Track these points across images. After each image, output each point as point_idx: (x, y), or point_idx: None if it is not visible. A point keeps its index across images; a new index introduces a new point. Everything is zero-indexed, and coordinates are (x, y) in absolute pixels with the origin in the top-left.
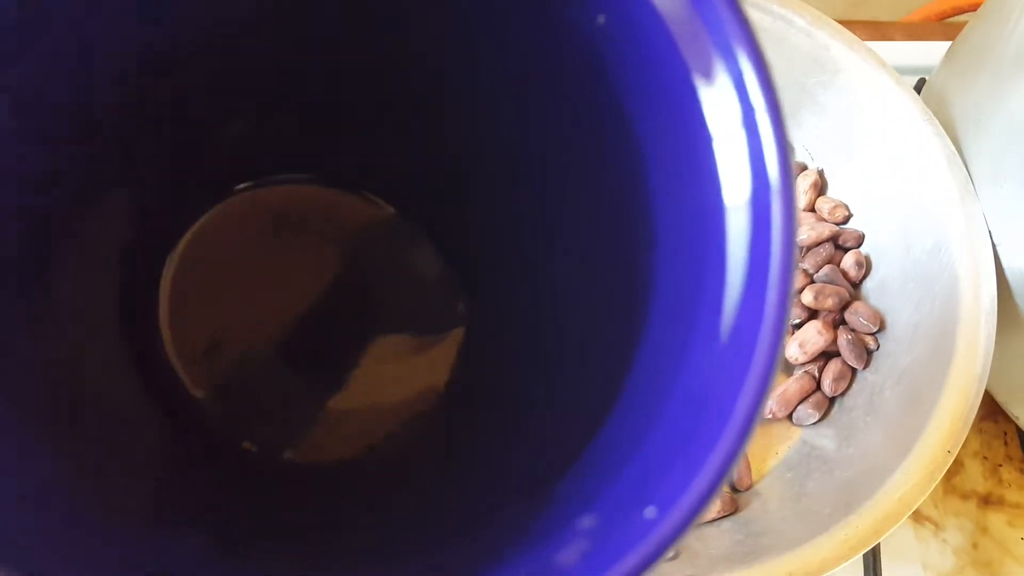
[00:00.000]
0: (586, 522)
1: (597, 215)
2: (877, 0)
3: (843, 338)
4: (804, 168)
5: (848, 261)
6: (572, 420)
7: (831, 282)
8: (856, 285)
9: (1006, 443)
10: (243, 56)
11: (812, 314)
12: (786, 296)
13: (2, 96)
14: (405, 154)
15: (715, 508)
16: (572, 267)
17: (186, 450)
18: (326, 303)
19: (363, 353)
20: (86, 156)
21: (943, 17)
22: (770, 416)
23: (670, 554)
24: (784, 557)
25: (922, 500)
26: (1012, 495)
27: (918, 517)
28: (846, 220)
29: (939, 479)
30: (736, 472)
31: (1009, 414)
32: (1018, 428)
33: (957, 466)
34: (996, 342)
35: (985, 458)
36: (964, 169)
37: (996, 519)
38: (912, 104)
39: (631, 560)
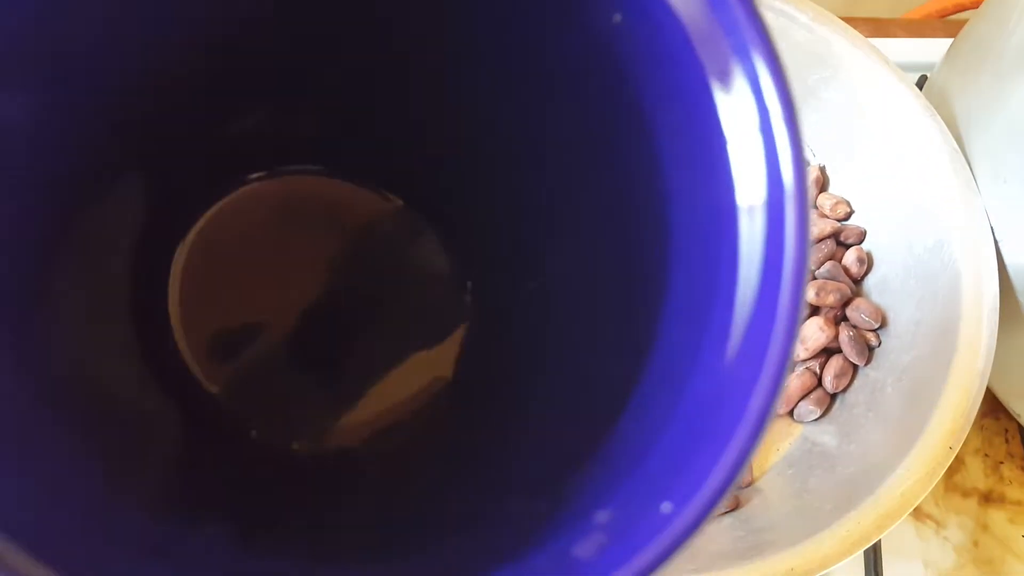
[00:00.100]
0: (602, 516)
1: (609, 212)
2: None
3: (844, 334)
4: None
5: (850, 257)
6: (583, 416)
7: (832, 278)
8: (857, 281)
9: (1007, 440)
10: (254, 50)
11: (814, 310)
12: (798, 299)
13: (27, 77)
14: (416, 148)
15: None
16: (582, 263)
17: (198, 440)
18: (333, 294)
19: (368, 345)
20: (99, 141)
21: (944, 14)
22: None
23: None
24: (785, 553)
25: (923, 497)
26: (1013, 492)
27: (919, 514)
28: (848, 216)
29: (940, 476)
30: None
31: (1010, 411)
32: (1019, 425)
33: (958, 463)
34: (998, 339)
35: (986, 455)
36: (966, 166)
37: (997, 516)
38: (914, 101)
39: (648, 554)
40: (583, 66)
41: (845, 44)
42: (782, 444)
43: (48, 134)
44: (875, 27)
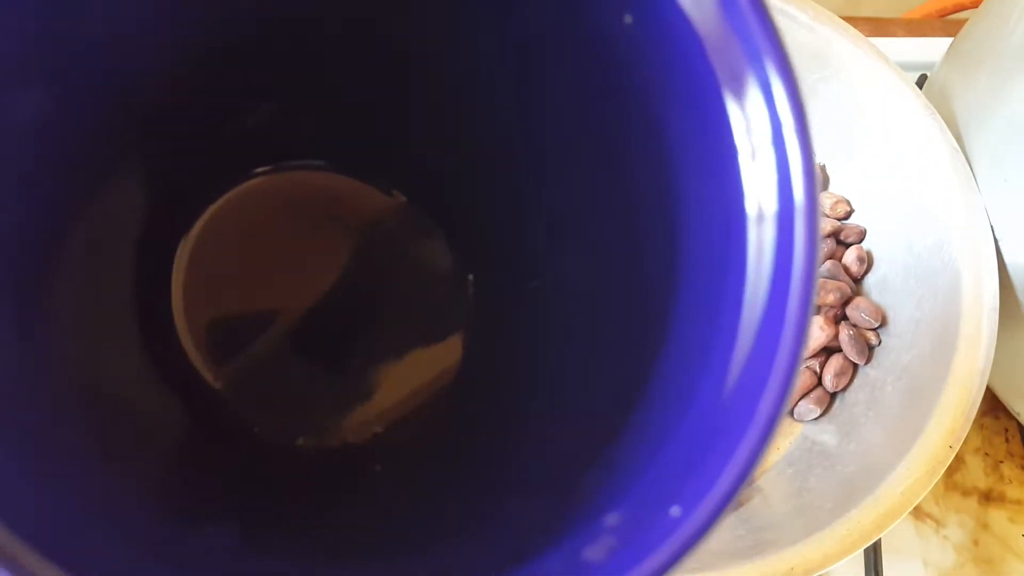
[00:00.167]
0: (612, 519)
1: (613, 213)
2: None
3: (844, 333)
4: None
5: (850, 256)
6: (587, 417)
7: (833, 277)
8: (858, 281)
9: (1007, 439)
10: (256, 49)
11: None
12: (807, 308)
13: (33, 76)
14: (419, 147)
15: None
16: (585, 264)
17: (202, 437)
18: (335, 291)
19: (371, 341)
20: (100, 138)
21: (944, 14)
22: None
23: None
24: (785, 552)
25: (923, 495)
26: (1013, 491)
27: (919, 514)
28: (848, 216)
29: (940, 475)
30: None
31: (1010, 410)
32: (1019, 424)
33: (958, 462)
34: (998, 338)
35: (986, 454)
36: (966, 165)
37: (997, 515)
38: (914, 100)
39: (658, 557)
40: (591, 66)
41: (845, 43)
42: (782, 443)
43: (53, 132)
44: (875, 26)
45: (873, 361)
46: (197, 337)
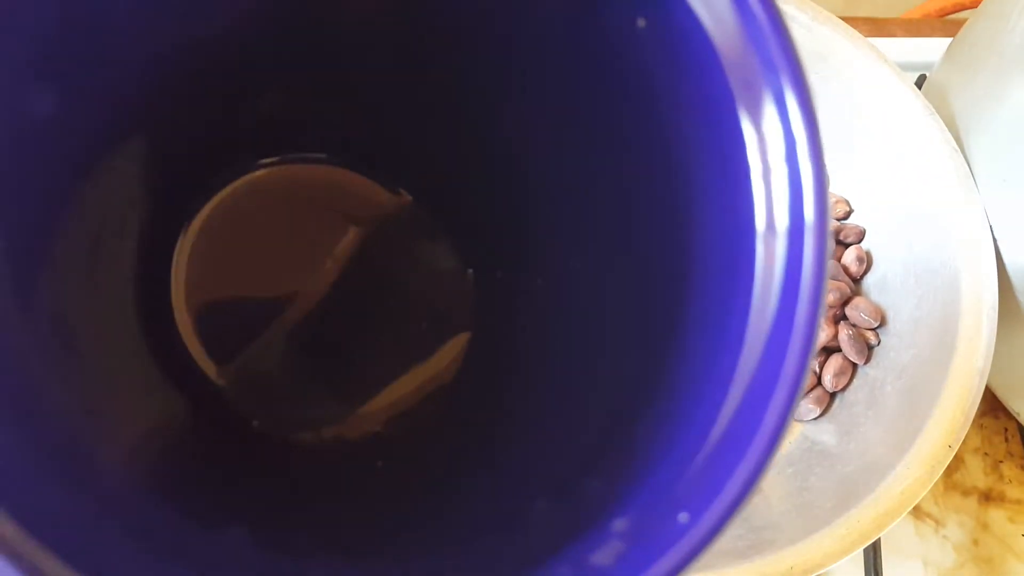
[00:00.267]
0: (620, 524)
1: (618, 215)
2: None
3: (844, 333)
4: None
5: (849, 256)
6: (594, 422)
7: (832, 277)
8: (857, 280)
9: (1007, 439)
10: (262, 46)
11: None
12: (814, 323)
13: (47, 71)
14: (430, 145)
15: None
16: (592, 265)
17: (208, 434)
18: (339, 286)
19: (373, 337)
20: (103, 128)
21: (943, 14)
22: None
23: None
24: (785, 552)
25: (923, 495)
26: (1013, 491)
27: (919, 513)
28: (847, 216)
29: (940, 474)
30: None
31: (1010, 410)
32: (1019, 424)
33: (958, 462)
34: (997, 337)
35: (986, 454)
36: (965, 165)
37: (997, 515)
38: (914, 99)
39: (666, 563)
40: (601, 69)
41: (845, 43)
42: (782, 443)
43: (59, 128)
44: (874, 26)
45: (872, 361)
46: (197, 331)
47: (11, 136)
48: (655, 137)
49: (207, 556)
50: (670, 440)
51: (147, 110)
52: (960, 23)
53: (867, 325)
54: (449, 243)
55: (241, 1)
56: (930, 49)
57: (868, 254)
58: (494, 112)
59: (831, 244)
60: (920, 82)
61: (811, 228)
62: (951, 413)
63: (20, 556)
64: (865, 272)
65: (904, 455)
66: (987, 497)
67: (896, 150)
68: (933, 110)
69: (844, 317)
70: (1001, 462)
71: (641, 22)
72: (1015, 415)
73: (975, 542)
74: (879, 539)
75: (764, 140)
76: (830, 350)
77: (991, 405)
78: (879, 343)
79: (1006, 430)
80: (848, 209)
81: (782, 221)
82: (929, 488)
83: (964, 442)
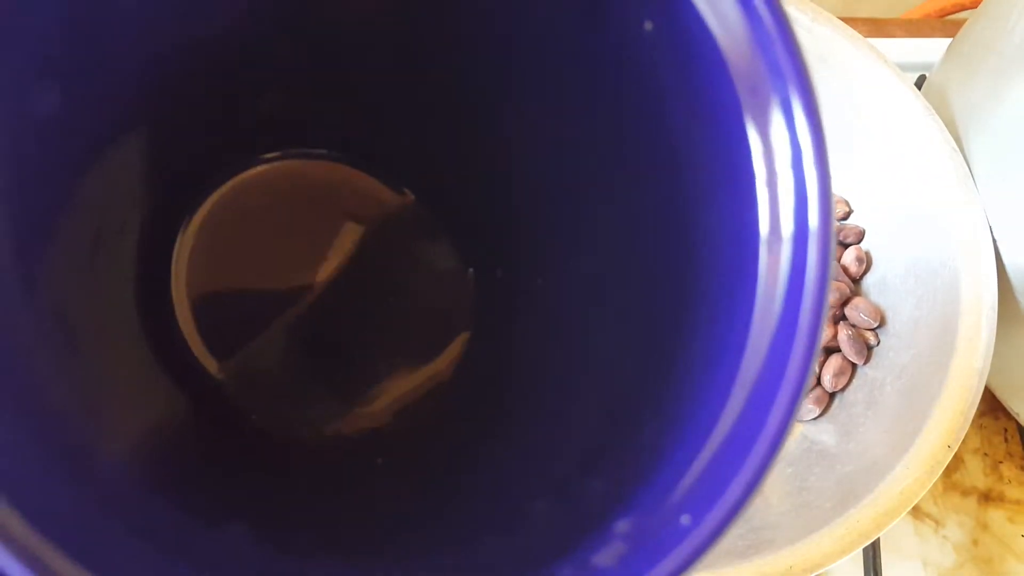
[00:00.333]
0: (622, 526)
1: (619, 216)
2: None
3: (843, 334)
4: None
5: (848, 257)
6: (595, 423)
7: (832, 278)
8: (856, 281)
9: (1006, 439)
10: (271, 38)
11: None
12: (817, 329)
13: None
14: (434, 145)
15: None
16: (594, 266)
17: (209, 431)
18: (340, 283)
19: (373, 335)
20: (104, 122)
21: (943, 14)
22: None
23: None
24: (784, 551)
25: (922, 495)
26: (1012, 491)
27: (918, 514)
28: (847, 216)
29: (939, 474)
30: None
31: (1009, 410)
32: (1018, 424)
33: (957, 462)
34: (996, 338)
35: (985, 455)
36: (965, 165)
37: (996, 515)
38: (914, 100)
39: (668, 565)
40: (606, 70)
41: (844, 44)
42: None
43: (63, 124)
44: (874, 27)
45: (872, 361)
46: (198, 328)
47: (13, 136)
48: (658, 139)
49: (208, 554)
50: (672, 443)
51: (147, 110)
52: (960, 23)
53: (867, 325)
54: (449, 242)
55: (241, 1)
56: (930, 50)
57: (868, 254)
58: (495, 112)
59: (835, 250)
60: (920, 82)
61: (815, 235)
62: (950, 413)
63: (28, 554)
64: (865, 272)
65: (903, 455)
66: (987, 497)
67: (896, 150)
68: (933, 110)
69: (844, 317)
70: (1001, 462)
71: (648, 25)
72: (1015, 415)
73: (975, 542)
74: (878, 539)
75: (770, 146)
76: (830, 350)
77: (991, 405)
78: (878, 343)
79: (1006, 430)
80: (848, 209)
81: (787, 227)
82: (928, 488)
83: (964, 442)
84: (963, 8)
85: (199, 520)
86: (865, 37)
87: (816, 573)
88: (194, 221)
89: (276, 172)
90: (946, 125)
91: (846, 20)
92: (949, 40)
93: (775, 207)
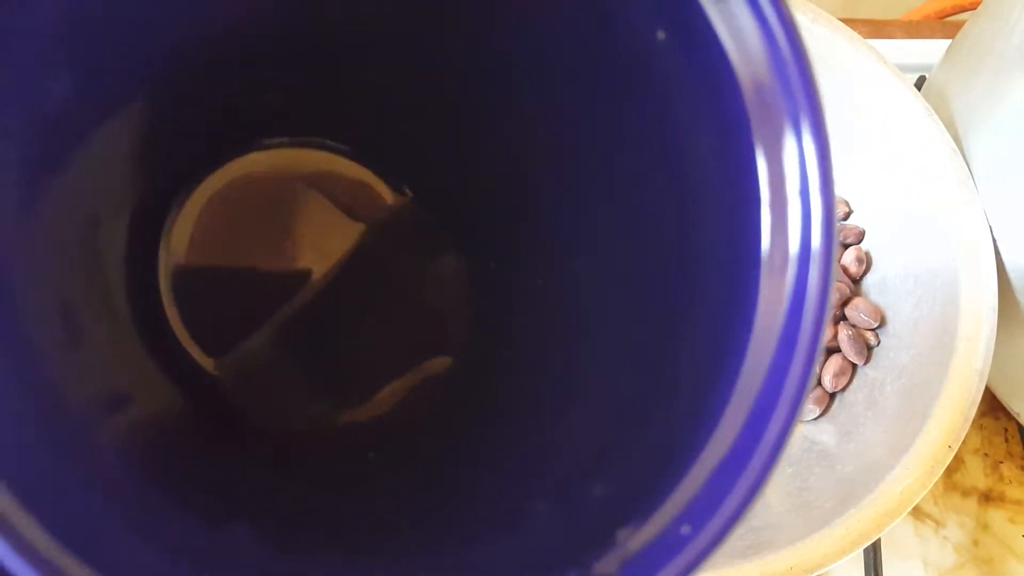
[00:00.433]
0: (623, 534)
1: (626, 225)
2: None
3: (843, 334)
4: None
5: (848, 257)
6: (594, 427)
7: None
8: (857, 281)
9: (1007, 440)
10: (271, 38)
11: None
12: (816, 345)
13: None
14: (437, 146)
15: None
16: (595, 270)
17: (208, 430)
18: (337, 280)
19: (370, 333)
20: (114, 110)
21: (943, 15)
22: None
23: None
24: (785, 552)
25: (923, 495)
26: (1013, 492)
27: (919, 514)
28: (847, 216)
29: (940, 474)
30: None
31: (1010, 410)
32: (1019, 424)
33: (957, 463)
34: (997, 338)
35: (986, 455)
36: (965, 166)
37: (997, 516)
38: (913, 101)
39: (668, 573)
40: (611, 74)
41: (844, 45)
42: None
43: (69, 114)
44: (874, 28)
45: (872, 361)
46: (192, 322)
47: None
48: (663, 143)
49: (209, 554)
50: (672, 449)
51: (147, 109)
52: (959, 25)
53: (867, 326)
54: (449, 241)
55: (242, 1)
56: (930, 50)
57: (868, 255)
58: (495, 112)
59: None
60: (920, 83)
61: (817, 255)
62: (951, 413)
63: (31, 550)
64: (865, 273)
65: (904, 455)
66: (987, 498)
67: (896, 151)
68: (932, 111)
69: (844, 318)
70: (1001, 463)
71: (661, 34)
72: (1015, 415)
73: (975, 543)
74: (879, 539)
75: (777, 163)
76: (830, 350)
77: (991, 405)
78: (879, 344)
79: (1006, 431)
80: (848, 210)
81: (794, 244)
82: (929, 488)
83: (964, 442)
84: (963, 9)
85: (200, 520)
86: (865, 38)
87: (816, 573)
88: (187, 215)
89: (273, 166)
90: (946, 125)
91: (846, 21)
92: (949, 41)
93: (779, 228)
